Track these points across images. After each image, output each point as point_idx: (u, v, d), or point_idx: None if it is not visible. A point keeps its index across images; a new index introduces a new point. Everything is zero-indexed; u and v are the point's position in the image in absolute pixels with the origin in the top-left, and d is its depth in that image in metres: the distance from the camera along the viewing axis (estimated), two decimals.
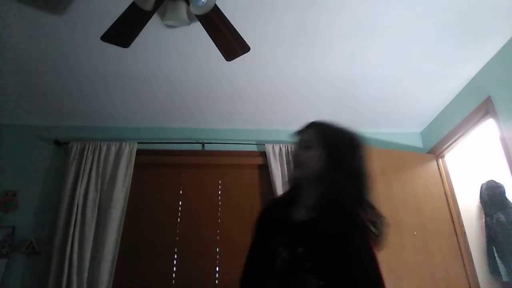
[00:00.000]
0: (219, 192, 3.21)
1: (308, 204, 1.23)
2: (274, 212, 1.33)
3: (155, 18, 2.02)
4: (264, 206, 1.43)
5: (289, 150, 3.22)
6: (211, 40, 2.04)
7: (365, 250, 1.10)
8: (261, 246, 1.29)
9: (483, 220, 3.00)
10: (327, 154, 1.21)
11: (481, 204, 3.07)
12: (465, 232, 2.99)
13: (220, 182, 3.24)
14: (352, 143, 1.27)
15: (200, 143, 3.32)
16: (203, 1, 1.73)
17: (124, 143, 3.14)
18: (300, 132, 1.32)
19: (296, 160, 1.27)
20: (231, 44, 2.07)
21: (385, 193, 2.88)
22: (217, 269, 2.92)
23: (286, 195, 1.36)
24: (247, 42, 2.08)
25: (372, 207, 1.20)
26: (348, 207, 1.17)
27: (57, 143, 3.17)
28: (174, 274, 2.88)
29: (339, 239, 1.10)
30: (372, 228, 1.16)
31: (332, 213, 1.15)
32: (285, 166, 3.15)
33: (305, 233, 1.17)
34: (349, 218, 1.14)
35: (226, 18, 1.92)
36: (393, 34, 2.37)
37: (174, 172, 3.22)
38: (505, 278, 2.76)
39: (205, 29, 1.97)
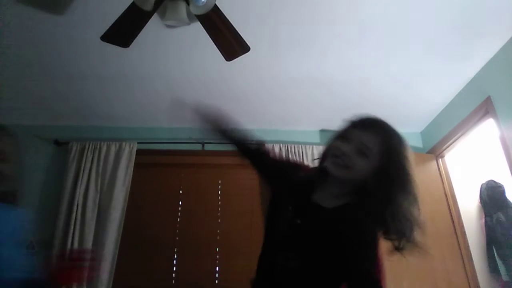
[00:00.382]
0: (219, 192, 3.21)
1: (331, 195, 1.15)
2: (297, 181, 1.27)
3: (155, 18, 2.02)
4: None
5: (289, 150, 3.22)
6: (211, 40, 2.04)
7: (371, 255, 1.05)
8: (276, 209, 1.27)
9: (483, 220, 3.00)
10: (379, 171, 1.09)
11: (481, 204, 3.07)
12: (465, 232, 2.99)
13: (220, 182, 3.24)
14: (407, 171, 1.13)
15: (200, 143, 3.32)
16: (203, 1, 1.73)
17: (124, 143, 3.14)
18: (361, 128, 1.15)
19: (344, 161, 1.10)
20: (231, 44, 2.08)
21: None
22: (217, 269, 2.92)
23: (310, 175, 1.27)
24: (247, 43, 2.08)
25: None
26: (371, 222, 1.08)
27: (57, 143, 3.17)
28: (174, 274, 2.88)
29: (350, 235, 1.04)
30: (396, 242, 1.08)
31: (354, 213, 1.09)
32: None
33: (321, 216, 1.13)
34: (367, 223, 1.07)
35: (226, 18, 1.92)
36: (393, 34, 2.37)
37: (174, 172, 3.22)
38: (505, 278, 2.76)
39: (205, 29, 1.97)
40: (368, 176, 1.09)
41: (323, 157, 1.21)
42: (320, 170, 1.19)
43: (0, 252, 1.19)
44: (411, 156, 1.17)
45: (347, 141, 1.13)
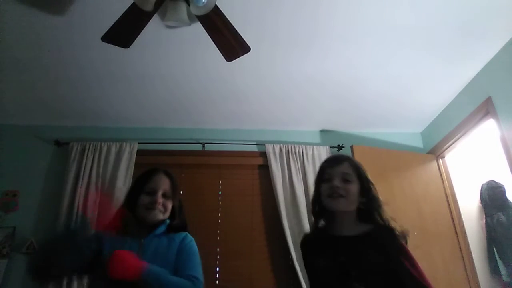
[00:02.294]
0: (219, 192, 3.21)
1: (348, 226, 1.37)
2: (317, 238, 1.45)
3: (155, 19, 2.02)
4: (307, 239, 1.53)
5: (290, 150, 3.22)
6: (212, 41, 2.04)
7: (407, 257, 1.28)
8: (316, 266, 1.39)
9: (484, 220, 3.00)
10: (362, 189, 1.39)
11: (482, 204, 3.07)
12: (465, 233, 2.99)
13: (220, 182, 3.24)
14: (367, 177, 1.45)
15: (201, 143, 3.33)
16: (203, 2, 1.73)
17: (124, 144, 3.14)
18: (334, 164, 1.43)
19: (336, 192, 1.35)
20: (231, 44, 2.08)
21: (385, 193, 2.87)
22: (217, 269, 2.92)
23: (319, 226, 1.47)
24: (248, 43, 2.08)
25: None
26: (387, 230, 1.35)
27: (58, 143, 3.17)
28: None
29: (382, 249, 1.28)
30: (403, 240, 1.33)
31: (375, 231, 1.34)
32: (285, 166, 3.16)
33: (349, 244, 1.32)
34: (390, 232, 1.33)
35: (226, 18, 1.92)
36: (393, 35, 2.37)
37: (175, 172, 3.17)
38: (505, 278, 2.76)
39: (206, 30, 1.97)
40: (359, 197, 1.38)
41: (315, 210, 1.47)
42: (321, 213, 1.45)
43: None
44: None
45: (332, 179, 1.39)
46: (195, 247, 1.57)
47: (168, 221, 1.57)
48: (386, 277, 1.23)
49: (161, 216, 1.53)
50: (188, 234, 1.60)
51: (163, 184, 1.58)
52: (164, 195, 1.55)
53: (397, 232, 1.33)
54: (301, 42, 2.41)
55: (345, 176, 1.38)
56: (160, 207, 1.52)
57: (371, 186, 1.42)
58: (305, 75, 2.75)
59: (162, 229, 1.54)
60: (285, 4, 2.12)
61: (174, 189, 1.60)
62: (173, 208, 1.59)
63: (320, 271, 1.35)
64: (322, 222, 1.46)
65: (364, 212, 1.39)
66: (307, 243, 1.49)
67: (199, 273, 1.50)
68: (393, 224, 1.36)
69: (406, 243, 1.32)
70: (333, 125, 3.47)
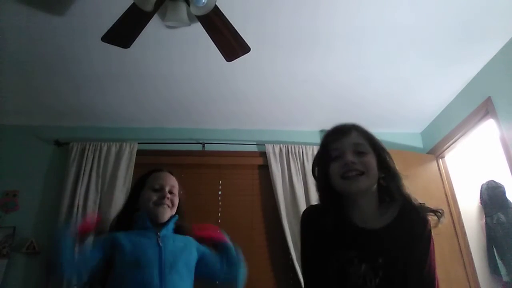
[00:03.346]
0: (219, 193, 3.21)
1: (370, 211, 1.12)
2: (324, 221, 1.12)
3: (155, 19, 2.02)
4: (308, 214, 1.22)
5: (290, 150, 3.22)
6: (212, 41, 2.04)
7: (428, 253, 1.07)
8: (325, 257, 1.10)
9: (484, 220, 3.00)
10: (379, 159, 1.14)
11: (481, 204, 3.07)
12: (465, 233, 2.99)
13: (220, 182, 3.24)
14: (383, 145, 1.21)
15: (201, 143, 3.33)
16: (203, 2, 1.74)
17: (124, 144, 3.14)
18: (343, 134, 1.16)
19: (357, 168, 1.09)
20: (231, 44, 2.08)
21: None
22: None
23: (328, 204, 1.16)
24: (248, 43, 2.08)
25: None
26: (415, 209, 1.11)
27: (58, 143, 3.17)
28: None
29: (411, 242, 1.06)
30: (435, 217, 1.11)
31: (404, 219, 1.09)
32: (285, 166, 3.16)
33: (382, 241, 1.07)
34: (420, 220, 1.09)
35: (226, 18, 1.92)
36: (393, 36, 2.37)
37: (174, 172, 3.19)
38: (505, 278, 2.76)
39: (205, 30, 1.97)
40: (378, 171, 1.12)
41: (323, 194, 1.18)
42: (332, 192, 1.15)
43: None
44: None
45: (343, 154, 1.11)
46: None
47: (177, 216, 1.58)
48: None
49: (169, 212, 1.53)
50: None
51: (170, 180, 1.61)
52: (170, 192, 1.56)
53: (428, 214, 1.10)
54: (301, 42, 2.41)
55: (358, 148, 1.12)
56: (168, 202, 1.53)
57: (387, 156, 1.16)
58: (304, 75, 2.75)
59: (172, 225, 1.54)
60: (285, 4, 2.12)
61: (179, 186, 1.64)
62: (178, 206, 1.61)
63: (342, 265, 1.07)
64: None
65: (384, 192, 1.13)
66: (312, 224, 1.18)
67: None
68: (418, 202, 1.13)
69: (440, 222, 1.10)
70: (333, 125, 3.46)
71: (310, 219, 1.19)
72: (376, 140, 1.17)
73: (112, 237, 1.46)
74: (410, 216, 1.09)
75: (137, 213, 1.52)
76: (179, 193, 1.62)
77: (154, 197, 1.52)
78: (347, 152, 1.11)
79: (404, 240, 1.06)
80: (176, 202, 1.58)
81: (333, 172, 1.11)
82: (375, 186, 1.13)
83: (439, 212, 1.11)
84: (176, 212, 1.59)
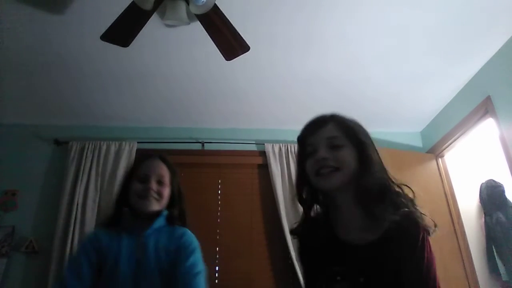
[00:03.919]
0: (219, 192, 3.21)
1: (357, 223, 1.02)
2: (315, 234, 1.07)
3: (154, 18, 2.02)
4: (299, 229, 1.14)
5: (289, 149, 3.22)
6: (211, 40, 2.04)
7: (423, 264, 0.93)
8: (316, 272, 1.06)
9: (483, 219, 3.00)
10: (359, 152, 1.03)
11: (481, 203, 3.07)
12: (464, 232, 2.99)
13: (220, 181, 3.24)
14: (367, 133, 1.11)
15: (200, 142, 3.32)
16: (203, 1, 1.73)
17: (123, 143, 3.14)
18: (318, 127, 1.08)
19: (329, 164, 1.01)
20: (230, 43, 2.08)
21: None
22: (217, 268, 2.92)
23: (317, 214, 1.12)
24: (247, 42, 2.08)
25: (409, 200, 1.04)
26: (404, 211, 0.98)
27: (57, 142, 3.17)
28: None
29: (400, 260, 0.93)
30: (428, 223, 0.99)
31: (394, 236, 0.96)
32: (285, 165, 3.16)
33: (365, 260, 0.97)
34: (411, 234, 0.95)
35: (225, 17, 1.92)
36: (393, 34, 2.37)
37: None
38: (504, 277, 2.76)
39: (205, 29, 1.97)
40: (356, 167, 1.02)
41: (302, 198, 1.11)
42: (318, 197, 1.09)
43: None
44: (368, 133, 1.13)
45: (315, 150, 1.05)
46: (196, 242, 1.46)
47: (166, 211, 1.42)
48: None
49: (156, 206, 1.38)
50: (188, 230, 1.47)
51: (158, 169, 1.42)
52: (159, 182, 1.40)
53: (420, 223, 0.97)
54: (301, 41, 2.41)
55: (332, 142, 1.04)
56: (154, 194, 1.37)
57: (369, 149, 1.05)
58: (304, 74, 2.75)
59: (161, 221, 1.39)
60: (285, 3, 2.11)
61: (171, 174, 1.46)
62: (172, 196, 1.44)
63: (327, 281, 1.01)
64: (315, 209, 1.11)
65: (366, 194, 1.00)
66: (302, 241, 1.14)
67: (202, 267, 1.43)
68: (412, 207, 1.01)
69: (429, 234, 0.97)
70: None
71: (304, 238, 1.13)
72: (355, 130, 1.06)
73: (95, 241, 1.33)
74: (399, 232, 0.95)
75: (124, 210, 1.39)
76: (172, 181, 1.45)
77: (139, 188, 1.37)
78: (320, 147, 1.03)
79: (392, 257, 0.94)
80: (166, 193, 1.41)
81: (308, 170, 1.05)
82: (354, 187, 1.01)
83: (430, 228, 0.99)
84: (172, 202, 1.44)
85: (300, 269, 1.25)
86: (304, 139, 1.10)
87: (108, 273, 1.27)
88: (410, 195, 1.06)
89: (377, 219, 0.97)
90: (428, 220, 0.99)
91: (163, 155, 1.50)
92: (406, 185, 1.08)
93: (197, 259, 1.41)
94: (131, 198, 1.39)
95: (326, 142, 1.04)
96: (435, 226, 1.00)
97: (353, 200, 1.02)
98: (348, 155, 1.02)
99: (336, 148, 1.03)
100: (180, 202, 1.49)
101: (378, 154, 1.07)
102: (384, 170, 1.06)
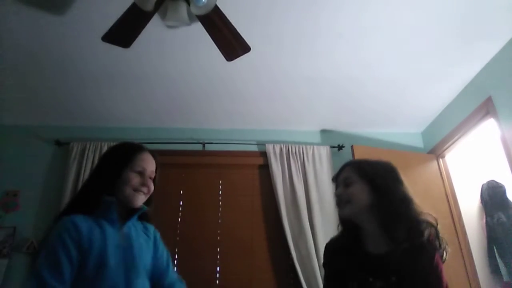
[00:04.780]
0: (220, 192, 3.21)
1: (376, 238, 1.24)
2: (344, 248, 1.31)
3: (155, 19, 2.02)
4: (330, 245, 1.39)
5: (290, 150, 3.22)
6: (212, 41, 2.04)
7: (437, 278, 1.22)
8: (344, 280, 1.25)
9: (484, 220, 3.00)
10: (372, 186, 1.25)
11: (482, 204, 3.07)
12: (466, 232, 2.99)
13: (220, 182, 3.24)
14: (390, 170, 1.32)
15: (201, 143, 3.33)
16: (204, 1, 1.73)
17: None
18: (338, 174, 1.37)
19: (341, 200, 1.29)
20: (231, 44, 2.08)
21: None
22: (218, 269, 2.92)
23: (345, 233, 1.35)
24: (248, 42, 2.08)
25: (429, 225, 1.25)
26: (417, 235, 1.20)
27: (58, 143, 3.18)
28: None
29: (420, 269, 1.18)
30: (439, 246, 1.25)
31: (406, 246, 1.18)
32: (286, 166, 3.16)
33: (391, 264, 1.19)
34: (424, 248, 1.20)
35: (226, 18, 1.92)
36: (394, 35, 2.37)
37: (175, 172, 3.22)
38: (506, 278, 2.75)
39: (206, 29, 1.97)
40: (370, 198, 1.24)
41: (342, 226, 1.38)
42: (342, 224, 1.35)
43: None
44: (392, 167, 1.34)
45: (336, 188, 1.35)
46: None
47: (145, 208, 1.41)
48: None
49: (143, 201, 1.37)
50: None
51: (151, 164, 1.42)
52: (149, 177, 1.40)
53: (433, 250, 1.21)
54: (302, 41, 2.41)
55: (346, 181, 1.30)
56: (146, 190, 1.36)
57: (390, 182, 1.26)
58: (305, 74, 2.75)
59: (136, 215, 1.38)
60: (285, 4, 2.11)
61: (157, 172, 1.45)
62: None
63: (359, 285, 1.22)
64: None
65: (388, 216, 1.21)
66: (333, 253, 1.35)
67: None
68: (429, 234, 1.22)
69: (444, 258, 1.25)
70: (333, 125, 3.47)
71: (331, 253, 1.36)
72: (368, 169, 1.29)
73: (75, 232, 1.20)
74: (417, 255, 1.19)
75: (106, 198, 1.29)
76: (156, 178, 1.44)
77: (136, 181, 1.34)
78: (338, 186, 1.33)
79: (413, 270, 1.17)
80: (152, 189, 1.40)
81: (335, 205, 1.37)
82: (369, 214, 1.23)
83: (445, 248, 1.26)
84: (149, 199, 1.43)
85: (326, 276, 1.40)
86: (333, 180, 1.41)
87: (95, 266, 1.19)
88: (433, 222, 1.26)
89: (395, 242, 1.18)
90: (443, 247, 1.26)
91: (152, 150, 1.48)
92: (430, 214, 1.28)
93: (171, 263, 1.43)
94: (123, 188, 1.32)
95: (343, 182, 1.31)
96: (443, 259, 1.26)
97: (377, 224, 1.23)
98: (358, 190, 1.26)
99: (348, 185, 1.28)
100: (152, 200, 1.47)
101: (403, 186, 1.28)
102: (405, 199, 1.24)
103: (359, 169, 1.30)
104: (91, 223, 1.25)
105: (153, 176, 1.42)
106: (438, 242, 1.24)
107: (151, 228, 1.44)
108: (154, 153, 1.48)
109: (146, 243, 1.37)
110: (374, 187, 1.24)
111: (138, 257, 1.29)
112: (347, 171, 1.33)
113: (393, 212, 1.20)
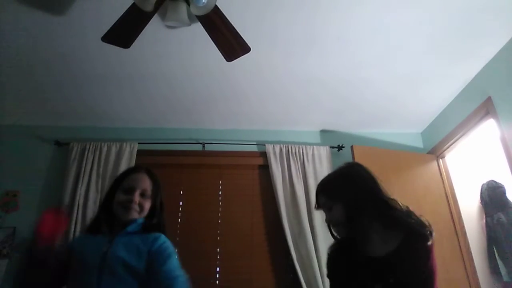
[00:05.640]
0: (220, 193, 3.21)
1: (374, 242, 1.31)
2: (344, 254, 1.39)
3: (155, 19, 2.02)
4: (330, 253, 1.46)
5: (290, 150, 3.22)
6: (212, 41, 2.04)
7: (430, 267, 1.24)
8: (346, 282, 1.34)
9: (484, 220, 3.00)
10: (344, 202, 1.33)
11: (482, 204, 3.07)
12: (465, 233, 2.99)
13: (220, 182, 3.24)
14: (347, 174, 1.41)
15: (201, 143, 3.33)
16: (204, 2, 1.73)
17: (124, 144, 3.14)
18: (317, 202, 1.44)
19: (333, 224, 1.38)
20: (231, 44, 2.08)
21: None
22: (218, 269, 2.92)
23: (344, 239, 1.42)
24: (248, 43, 2.08)
25: (410, 214, 1.32)
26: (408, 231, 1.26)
27: (58, 143, 3.17)
28: None
29: (416, 263, 1.23)
30: (427, 232, 1.25)
31: (403, 246, 1.25)
32: (286, 166, 3.16)
33: (389, 266, 1.24)
34: (419, 248, 1.24)
35: (226, 18, 1.92)
36: (393, 35, 2.37)
37: (175, 172, 3.22)
38: (505, 278, 2.75)
39: (206, 30, 1.97)
40: (345, 214, 1.32)
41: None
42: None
43: None
44: (350, 172, 1.42)
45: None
46: (171, 248, 1.46)
47: (142, 219, 1.50)
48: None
49: (136, 216, 1.48)
50: (163, 235, 1.50)
51: (143, 183, 1.52)
52: (142, 194, 1.50)
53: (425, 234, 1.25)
54: (301, 42, 2.41)
55: (326, 206, 1.40)
56: (136, 206, 1.47)
57: (351, 185, 1.37)
58: (305, 75, 2.75)
59: (134, 227, 1.46)
60: (285, 3, 2.11)
61: (155, 188, 1.55)
62: (153, 208, 1.54)
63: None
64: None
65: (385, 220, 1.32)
66: (335, 257, 1.44)
67: (181, 272, 1.42)
68: (416, 222, 1.28)
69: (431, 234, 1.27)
70: (333, 125, 3.47)
71: (333, 263, 1.43)
72: (334, 191, 1.38)
73: (69, 246, 1.49)
74: (409, 248, 1.24)
75: (100, 216, 1.52)
76: (153, 195, 1.53)
77: (123, 199, 1.47)
78: (325, 213, 1.40)
79: (406, 264, 1.23)
80: (147, 205, 1.50)
81: None
82: (350, 228, 1.32)
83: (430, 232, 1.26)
84: (153, 214, 1.53)
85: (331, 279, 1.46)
86: (316, 209, 1.47)
87: (75, 266, 1.39)
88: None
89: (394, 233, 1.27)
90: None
91: (149, 169, 1.60)
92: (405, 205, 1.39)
93: (174, 264, 1.43)
94: (114, 207, 1.49)
95: (325, 208, 1.40)
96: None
97: (373, 230, 1.31)
98: (338, 212, 1.34)
99: (330, 209, 1.37)
100: (160, 213, 1.57)
101: (366, 181, 1.36)
102: (371, 191, 1.34)
103: (328, 191, 1.40)
104: (87, 237, 1.51)
105: (147, 192, 1.52)
106: (422, 227, 1.27)
107: (151, 237, 1.46)
108: (149, 171, 1.59)
109: (137, 246, 1.42)
110: (348, 203, 1.33)
111: (115, 258, 1.37)
112: (321, 197, 1.41)
113: (359, 205, 1.30)
